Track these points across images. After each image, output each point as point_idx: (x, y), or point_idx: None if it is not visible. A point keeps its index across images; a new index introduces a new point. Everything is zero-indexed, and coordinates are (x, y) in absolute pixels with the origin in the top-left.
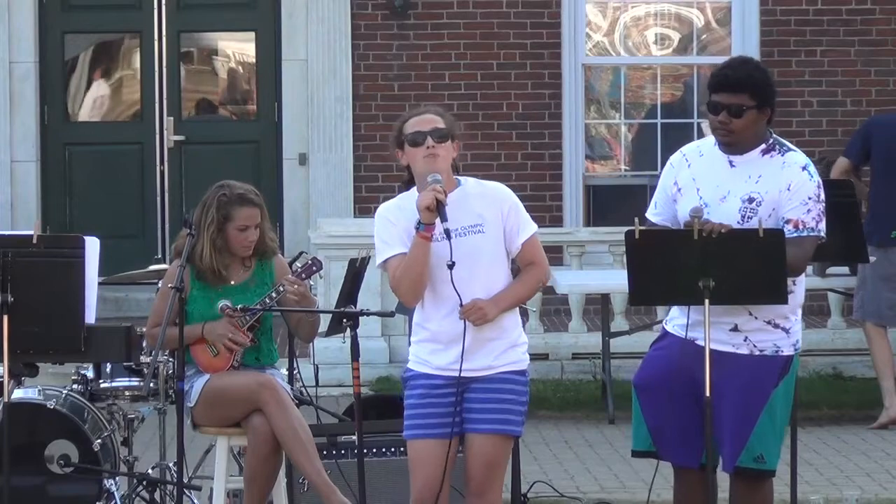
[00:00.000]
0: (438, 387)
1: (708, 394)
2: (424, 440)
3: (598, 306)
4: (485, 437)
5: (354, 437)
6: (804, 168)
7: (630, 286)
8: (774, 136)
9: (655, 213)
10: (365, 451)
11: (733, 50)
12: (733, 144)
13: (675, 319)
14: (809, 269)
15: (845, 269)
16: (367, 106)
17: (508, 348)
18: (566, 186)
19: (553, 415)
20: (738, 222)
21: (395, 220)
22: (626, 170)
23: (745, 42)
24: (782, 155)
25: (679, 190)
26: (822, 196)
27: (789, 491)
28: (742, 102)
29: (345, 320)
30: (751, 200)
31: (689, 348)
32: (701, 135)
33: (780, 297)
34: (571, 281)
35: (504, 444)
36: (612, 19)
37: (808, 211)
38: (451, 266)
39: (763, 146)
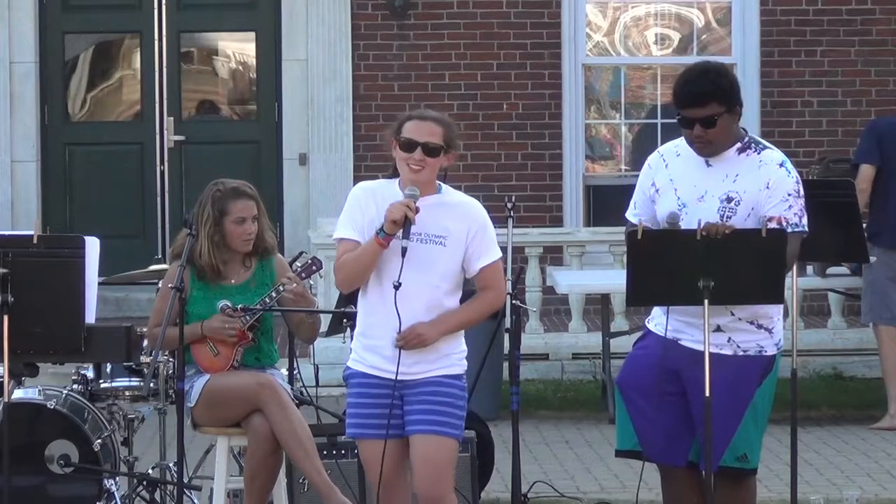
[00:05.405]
0: (373, 386)
1: (707, 394)
2: (367, 440)
3: (598, 306)
4: (423, 438)
5: None
6: (781, 165)
7: (628, 287)
8: (750, 134)
9: (635, 214)
10: None
11: (733, 50)
12: (714, 153)
13: (656, 318)
14: (809, 269)
15: (845, 269)
16: (367, 106)
17: (442, 356)
18: (566, 186)
19: (553, 415)
20: (718, 222)
21: (364, 206)
22: (626, 170)
23: (746, 42)
24: (758, 153)
25: (657, 191)
26: (802, 192)
27: (789, 491)
28: (712, 112)
29: (345, 320)
30: (729, 200)
31: (672, 347)
32: None
33: (778, 297)
34: (571, 281)
35: (443, 446)
36: (612, 19)
37: (790, 207)
38: (397, 287)
39: (738, 145)
